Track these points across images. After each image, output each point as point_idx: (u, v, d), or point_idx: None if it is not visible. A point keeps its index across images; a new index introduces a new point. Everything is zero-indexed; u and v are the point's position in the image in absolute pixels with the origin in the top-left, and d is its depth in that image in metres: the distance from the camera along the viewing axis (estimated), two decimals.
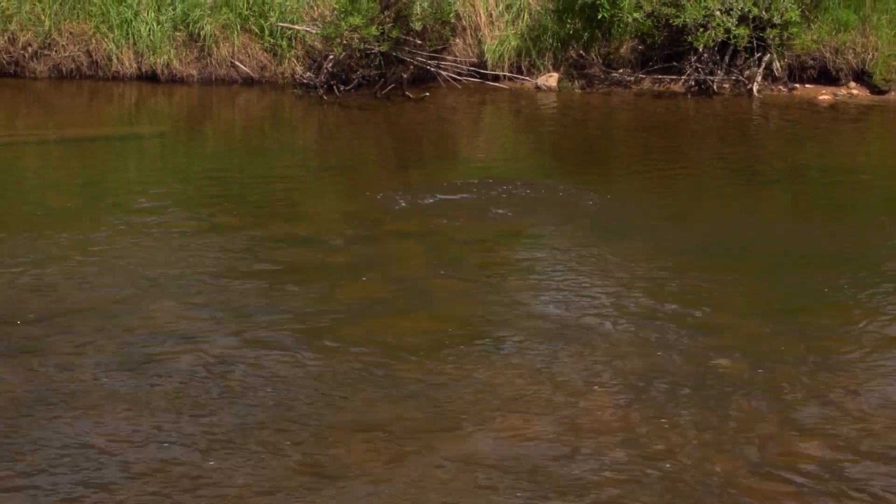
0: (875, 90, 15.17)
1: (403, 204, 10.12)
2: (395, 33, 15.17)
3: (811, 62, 15.52)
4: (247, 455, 5.60)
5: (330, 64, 15.46)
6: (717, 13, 14.82)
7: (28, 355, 6.69)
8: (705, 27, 14.90)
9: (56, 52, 15.91)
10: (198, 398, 6.19)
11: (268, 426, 5.88)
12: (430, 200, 10.24)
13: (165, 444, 5.69)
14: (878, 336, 7.09)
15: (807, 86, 15.49)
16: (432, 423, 5.92)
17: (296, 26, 15.79)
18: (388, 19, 15.22)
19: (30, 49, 15.95)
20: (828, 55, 15.39)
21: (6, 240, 8.95)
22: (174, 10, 15.85)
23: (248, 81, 15.92)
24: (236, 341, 6.96)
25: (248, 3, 15.87)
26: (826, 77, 15.47)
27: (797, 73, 15.57)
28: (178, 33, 15.89)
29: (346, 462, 5.55)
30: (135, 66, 15.90)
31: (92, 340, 6.91)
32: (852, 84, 15.34)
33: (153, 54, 15.81)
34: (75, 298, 7.64)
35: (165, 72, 15.84)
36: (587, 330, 7.13)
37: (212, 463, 5.53)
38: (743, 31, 14.88)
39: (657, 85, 15.68)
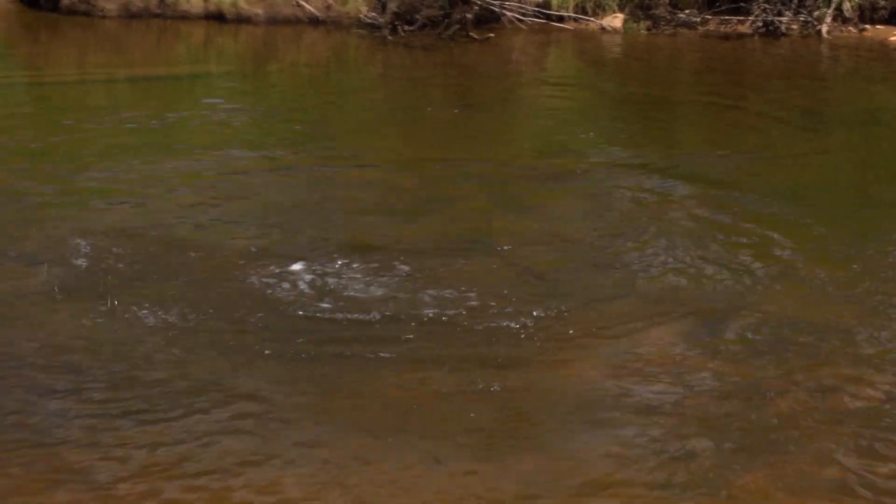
0: None
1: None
2: None
3: (882, 2, 15.31)
4: None
5: (394, 4, 15.47)
6: None
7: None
8: None
9: None
10: None
11: None
12: None
13: None
14: None
15: (878, 27, 15.27)
16: None
17: None
18: None
19: None
20: None
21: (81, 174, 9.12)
22: None
23: (314, 21, 15.98)
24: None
25: None
26: None
27: (868, 13, 15.36)
28: None
29: None
30: (202, 5, 16.05)
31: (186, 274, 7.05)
32: None
33: None
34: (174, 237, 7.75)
35: (232, 11, 15.95)
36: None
37: None
38: None
39: (724, 26, 15.54)
